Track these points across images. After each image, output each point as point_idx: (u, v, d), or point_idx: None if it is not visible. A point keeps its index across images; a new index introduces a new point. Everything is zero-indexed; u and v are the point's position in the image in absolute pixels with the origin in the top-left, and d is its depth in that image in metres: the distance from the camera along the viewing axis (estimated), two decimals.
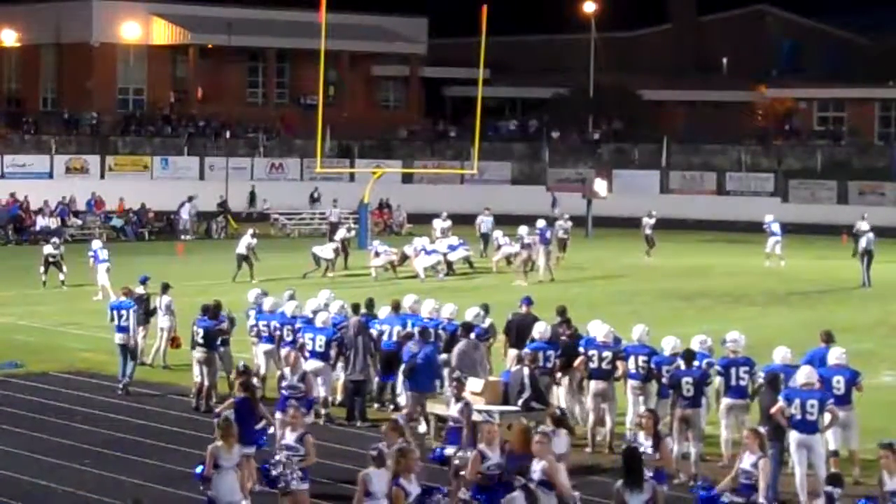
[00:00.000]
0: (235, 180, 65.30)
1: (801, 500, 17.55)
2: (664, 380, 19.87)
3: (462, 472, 15.90)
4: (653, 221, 50.89)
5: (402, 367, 21.52)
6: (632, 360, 20.59)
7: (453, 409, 17.97)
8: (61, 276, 39.77)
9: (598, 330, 21.22)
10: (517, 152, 77.41)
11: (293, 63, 79.75)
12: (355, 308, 23.96)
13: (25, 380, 25.92)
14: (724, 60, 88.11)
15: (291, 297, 24.52)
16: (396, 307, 23.62)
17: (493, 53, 58.01)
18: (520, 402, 19.57)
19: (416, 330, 22.20)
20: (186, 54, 77.87)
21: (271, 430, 18.12)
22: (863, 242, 43.07)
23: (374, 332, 23.01)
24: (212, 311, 23.83)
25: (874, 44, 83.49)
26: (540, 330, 21.61)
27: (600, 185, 61.54)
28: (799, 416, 17.71)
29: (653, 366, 20.27)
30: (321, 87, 54.02)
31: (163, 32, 76.84)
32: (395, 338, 22.70)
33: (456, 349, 21.55)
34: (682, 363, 19.52)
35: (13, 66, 79.28)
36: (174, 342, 26.67)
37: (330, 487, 17.83)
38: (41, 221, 56.76)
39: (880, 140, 78.58)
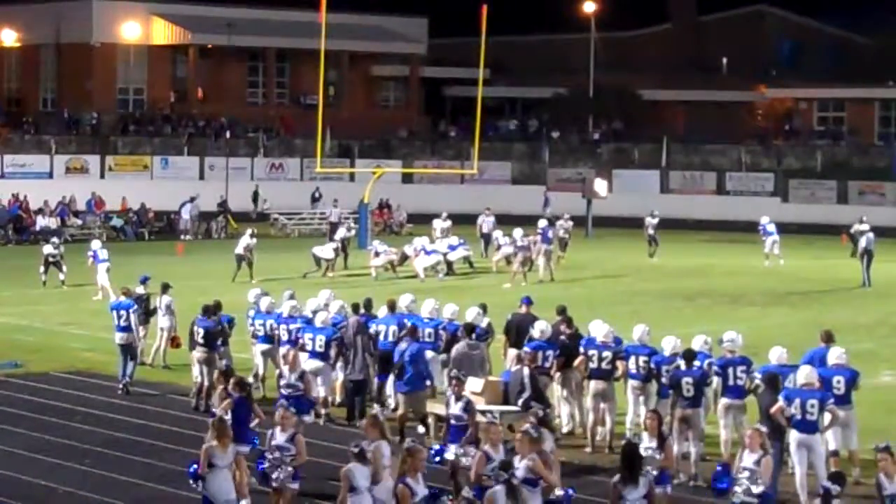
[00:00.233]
0: (235, 180, 65.28)
1: (802, 500, 17.57)
2: (664, 380, 19.88)
3: (461, 469, 15.92)
4: (656, 221, 50.92)
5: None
6: (632, 360, 20.59)
7: (455, 408, 17.98)
8: (61, 276, 39.78)
9: (598, 330, 21.22)
10: (517, 152, 77.43)
11: (293, 63, 79.76)
12: (355, 308, 23.97)
13: (25, 380, 25.93)
14: (724, 60, 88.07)
15: (291, 298, 24.52)
16: (392, 307, 23.64)
17: (493, 53, 58.07)
18: (520, 402, 19.56)
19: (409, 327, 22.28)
20: (186, 54, 77.89)
21: (255, 422, 18.05)
22: (863, 242, 43.07)
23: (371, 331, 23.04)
24: (211, 311, 23.85)
25: (874, 44, 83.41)
26: (541, 328, 21.61)
27: (600, 185, 61.57)
28: (799, 416, 17.71)
29: (653, 366, 20.28)
30: (321, 87, 54.02)
31: (163, 32, 76.85)
32: (391, 338, 22.72)
33: (454, 349, 21.57)
34: (682, 363, 19.53)
35: (13, 66, 79.29)
36: (174, 342, 26.66)
37: (330, 487, 17.82)
38: (41, 221, 56.79)
39: (880, 140, 78.55)
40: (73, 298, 37.72)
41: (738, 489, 15.13)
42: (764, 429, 16.22)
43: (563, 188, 67.22)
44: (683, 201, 68.37)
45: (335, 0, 55.05)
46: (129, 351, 24.89)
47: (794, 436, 17.82)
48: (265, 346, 24.07)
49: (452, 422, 17.92)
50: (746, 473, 15.17)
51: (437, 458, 17.21)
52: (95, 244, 39.01)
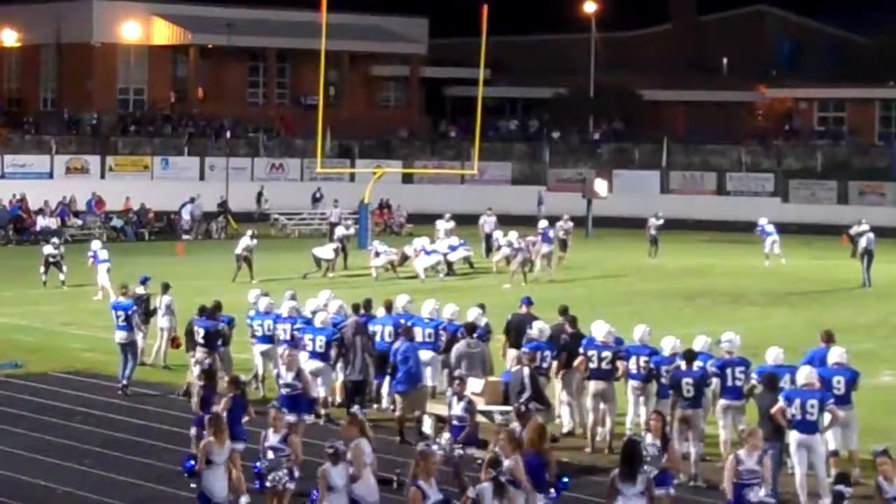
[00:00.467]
0: (236, 180, 65.28)
1: (802, 500, 17.57)
2: (664, 380, 19.88)
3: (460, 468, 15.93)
4: (660, 223, 50.95)
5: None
6: (633, 360, 20.58)
7: (457, 409, 17.99)
8: (61, 276, 39.79)
9: (599, 330, 21.22)
10: (517, 152, 77.44)
11: (293, 63, 79.78)
12: (355, 308, 23.97)
13: (25, 380, 25.93)
14: (724, 60, 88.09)
15: (292, 298, 24.52)
16: (389, 307, 23.65)
17: (493, 53, 58.07)
18: (520, 401, 19.54)
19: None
20: (187, 54, 77.90)
21: (244, 419, 18.14)
22: (863, 242, 43.06)
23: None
24: (210, 311, 23.85)
25: (874, 44, 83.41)
26: (538, 328, 21.60)
27: (600, 186, 61.57)
28: (799, 417, 17.71)
29: (652, 366, 20.27)
30: (321, 87, 54.00)
31: (163, 32, 76.86)
32: (387, 338, 22.75)
33: (454, 349, 21.57)
34: (682, 363, 19.52)
35: (13, 66, 79.31)
36: (174, 342, 26.67)
37: None
38: (41, 221, 56.78)
39: (880, 140, 78.55)
40: (73, 299, 37.72)
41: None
42: (759, 430, 16.15)
43: (563, 188, 67.22)
44: (683, 201, 68.36)
45: (335, 0, 55.07)
46: (129, 350, 24.90)
47: (794, 436, 17.82)
48: (264, 347, 24.07)
49: (454, 422, 17.92)
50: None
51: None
52: (95, 244, 39.01)
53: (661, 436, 16.08)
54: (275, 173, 70.40)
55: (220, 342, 23.67)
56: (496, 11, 53.90)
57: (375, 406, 23.07)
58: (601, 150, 77.54)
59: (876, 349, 29.65)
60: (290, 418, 18.60)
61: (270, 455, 16.02)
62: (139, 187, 63.09)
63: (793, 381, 18.69)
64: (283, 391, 19.73)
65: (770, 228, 48.76)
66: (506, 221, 51.45)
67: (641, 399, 20.57)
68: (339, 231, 46.49)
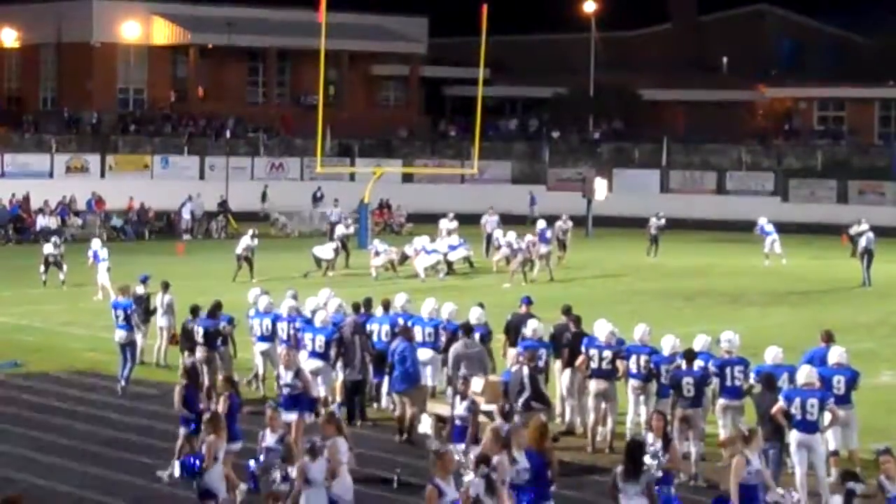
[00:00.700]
0: (236, 180, 65.29)
1: (802, 500, 17.54)
2: (664, 379, 19.89)
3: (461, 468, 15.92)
4: (662, 223, 50.93)
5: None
6: (633, 359, 20.58)
7: (459, 409, 17.98)
8: (61, 276, 39.77)
9: (600, 330, 21.22)
10: (517, 152, 77.43)
11: (293, 63, 79.79)
12: (355, 307, 23.97)
13: (25, 380, 25.93)
14: (724, 60, 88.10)
15: (294, 297, 24.52)
16: (387, 306, 23.65)
17: (492, 53, 58.06)
18: (520, 401, 19.55)
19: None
20: (187, 54, 77.92)
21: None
22: (863, 242, 43.06)
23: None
24: (210, 311, 23.85)
25: (874, 44, 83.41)
26: (533, 327, 21.59)
27: (600, 185, 61.55)
28: (799, 416, 17.71)
29: (652, 365, 20.28)
30: (321, 87, 53.98)
31: (163, 32, 76.87)
32: (384, 337, 22.75)
33: (452, 349, 21.56)
34: (682, 363, 19.53)
35: (13, 65, 79.33)
36: (174, 340, 26.67)
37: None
38: (41, 221, 56.76)
39: (880, 140, 78.53)
40: (73, 298, 37.71)
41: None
42: (759, 429, 16.15)
43: (563, 188, 67.21)
44: (683, 201, 68.31)
45: (335, 0, 55.06)
46: (128, 350, 24.90)
47: (794, 436, 17.82)
48: (264, 346, 24.08)
49: (457, 422, 17.93)
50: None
51: None
52: (96, 244, 38.97)
53: (662, 436, 16.09)
54: (275, 173, 70.40)
55: (219, 341, 23.67)
56: (496, 11, 53.89)
57: (375, 405, 23.08)
58: (601, 150, 77.52)
59: (876, 349, 29.65)
60: (289, 418, 18.63)
61: (268, 455, 16.00)
62: (139, 187, 63.07)
63: (791, 381, 18.72)
64: (284, 391, 19.73)
65: (769, 228, 48.79)
66: (506, 221, 51.47)
67: (642, 398, 20.58)
68: (340, 230, 46.51)
